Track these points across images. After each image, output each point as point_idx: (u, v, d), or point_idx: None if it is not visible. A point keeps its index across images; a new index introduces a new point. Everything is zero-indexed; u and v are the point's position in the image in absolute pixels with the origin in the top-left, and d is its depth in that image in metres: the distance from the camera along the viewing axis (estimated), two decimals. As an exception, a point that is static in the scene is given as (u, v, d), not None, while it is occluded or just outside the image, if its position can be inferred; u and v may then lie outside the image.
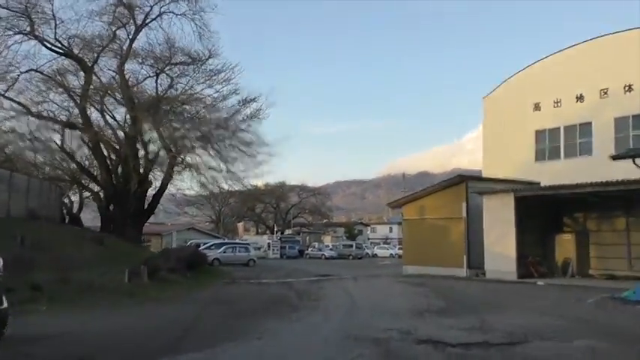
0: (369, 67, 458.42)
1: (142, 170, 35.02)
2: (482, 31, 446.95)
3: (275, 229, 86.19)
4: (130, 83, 34.11)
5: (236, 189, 40.77)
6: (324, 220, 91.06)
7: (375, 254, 75.12)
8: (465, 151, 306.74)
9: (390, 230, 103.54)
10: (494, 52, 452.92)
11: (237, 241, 51.89)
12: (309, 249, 68.92)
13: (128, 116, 34.39)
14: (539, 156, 36.11)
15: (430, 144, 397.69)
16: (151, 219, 44.51)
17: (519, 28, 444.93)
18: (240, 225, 75.47)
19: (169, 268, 25.73)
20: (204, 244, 48.75)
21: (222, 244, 46.17)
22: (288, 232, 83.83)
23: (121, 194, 34.85)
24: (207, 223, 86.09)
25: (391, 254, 74.00)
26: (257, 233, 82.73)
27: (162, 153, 36.98)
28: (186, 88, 34.42)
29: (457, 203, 30.99)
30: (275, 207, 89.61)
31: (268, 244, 65.82)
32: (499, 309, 16.07)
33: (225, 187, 39.27)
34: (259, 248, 66.53)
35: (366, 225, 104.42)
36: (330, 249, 70.06)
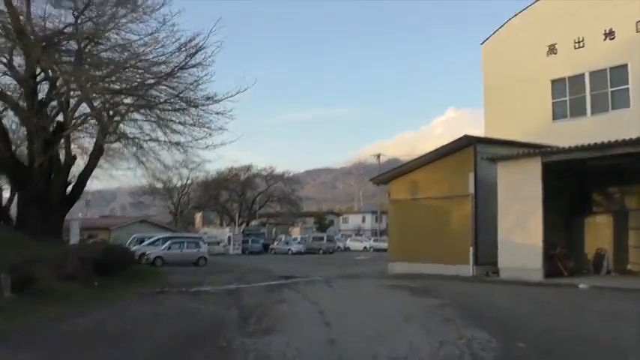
0: (331, 53, 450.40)
1: (52, 137, 26.26)
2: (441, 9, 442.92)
3: (239, 221, 78.05)
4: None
5: (184, 169, 32.46)
6: (293, 210, 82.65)
7: (348, 247, 67.52)
8: (433, 136, 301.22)
9: (363, 220, 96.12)
10: (458, 32, 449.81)
11: (185, 235, 43.55)
12: (275, 243, 60.88)
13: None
14: (558, 113, 28.44)
15: (397, 130, 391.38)
16: (104, 211, 35.94)
17: None
18: (198, 216, 66.89)
19: (66, 275, 17.90)
20: (150, 238, 40.45)
21: (168, 239, 37.91)
22: (253, 223, 75.59)
23: (25, 172, 26.26)
24: (168, 215, 77.44)
25: (365, 247, 66.49)
26: (221, 225, 74.16)
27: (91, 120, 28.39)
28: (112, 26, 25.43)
29: (461, 176, 23.41)
30: (240, 195, 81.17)
31: (229, 237, 57.61)
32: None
33: (169, 161, 30.90)
34: (219, 243, 58.33)
35: (338, 215, 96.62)
36: (298, 242, 62.12)
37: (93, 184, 38.97)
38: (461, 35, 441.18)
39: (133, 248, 39.26)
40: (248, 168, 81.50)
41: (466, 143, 23.55)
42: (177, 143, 29.78)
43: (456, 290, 18.06)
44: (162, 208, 77.35)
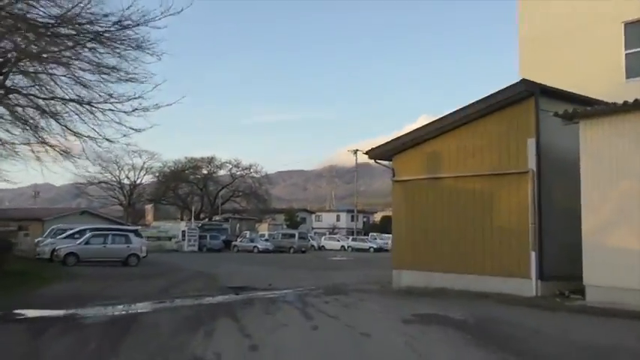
0: (306, 56, 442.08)
1: None
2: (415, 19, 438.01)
3: (202, 217, 68.40)
4: None
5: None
6: (261, 206, 72.96)
7: (323, 246, 58.57)
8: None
9: (338, 219, 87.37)
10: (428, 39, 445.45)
11: (112, 226, 33.98)
12: (239, 239, 51.52)
13: None
14: (634, 68, 19.64)
15: (370, 135, 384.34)
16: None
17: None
18: (149, 208, 57.24)
19: None
20: (71, 230, 30.99)
21: (88, 231, 28.48)
22: (217, 219, 66.02)
23: None
24: (120, 208, 67.42)
25: (343, 247, 57.62)
26: (182, 220, 64.25)
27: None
28: None
29: (513, 143, 14.74)
30: (202, 188, 71.42)
31: (182, 232, 48.10)
32: None
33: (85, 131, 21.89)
34: (171, 238, 48.79)
35: (311, 212, 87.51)
36: (265, 239, 52.95)
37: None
38: (442, 42, 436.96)
39: (45, 242, 29.98)
40: (210, 160, 71.83)
41: (523, 92, 14.75)
42: (89, 103, 20.94)
43: (550, 334, 9.24)
44: (113, 200, 67.24)
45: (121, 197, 65.80)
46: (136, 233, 31.16)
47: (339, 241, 59.47)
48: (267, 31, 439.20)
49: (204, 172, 71.71)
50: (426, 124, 17.11)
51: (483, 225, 15.32)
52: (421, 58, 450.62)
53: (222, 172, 72.87)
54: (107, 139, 23.30)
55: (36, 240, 33.16)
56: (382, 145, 18.27)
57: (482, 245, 15.20)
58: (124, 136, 23.37)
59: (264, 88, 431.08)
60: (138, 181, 67.23)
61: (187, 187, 72.59)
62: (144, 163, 66.90)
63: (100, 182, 64.89)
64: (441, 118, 16.60)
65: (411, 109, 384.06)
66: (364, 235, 71.21)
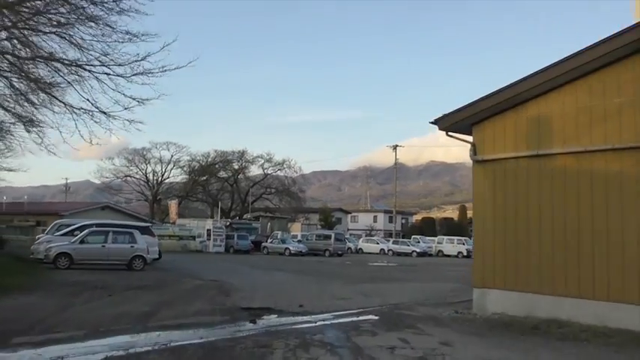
0: (337, 54, 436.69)
1: None
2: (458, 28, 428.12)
3: (230, 214, 63.74)
4: None
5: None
6: (294, 204, 67.77)
7: (360, 249, 53.16)
8: (439, 143, 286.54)
9: (375, 220, 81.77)
10: (463, 43, 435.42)
11: (117, 222, 29.02)
12: (269, 240, 46.53)
13: None
14: None
15: (404, 135, 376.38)
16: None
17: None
18: (173, 204, 52.66)
19: None
20: (74, 225, 26.37)
21: (89, 228, 23.71)
22: (247, 217, 61.22)
23: None
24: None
25: (383, 250, 52.11)
26: (212, 218, 59.49)
27: None
28: None
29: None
30: (232, 185, 66.70)
31: (208, 231, 43.34)
32: None
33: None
34: (195, 237, 44.10)
35: (347, 212, 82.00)
36: (298, 240, 47.90)
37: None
38: (470, 40, 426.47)
39: (41, 240, 25.47)
40: (242, 154, 67.01)
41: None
42: (77, 64, 16.58)
43: None
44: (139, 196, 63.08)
45: (147, 193, 61.63)
46: (146, 230, 26.38)
47: (378, 243, 53.96)
48: (302, 31, 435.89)
49: (235, 167, 67.01)
50: (526, 77, 11.60)
51: (624, 226, 9.87)
52: (460, 55, 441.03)
53: (253, 169, 68.09)
54: (103, 112, 18.75)
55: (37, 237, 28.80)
56: (457, 111, 12.82)
57: (621, 256, 9.78)
58: (125, 109, 18.73)
59: (299, 88, 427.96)
60: (165, 176, 63.05)
61: (217, 182, 68.04)
62: (171, 156, 62.75)
63: (125, 176, 60.92)
64: (552, 65, 11.10)
65: (447, 109, 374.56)
66: (403, 237, 65.64)
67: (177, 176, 64.69)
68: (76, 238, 22.18)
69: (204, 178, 64.96)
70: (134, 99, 18.48)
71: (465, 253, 49.58)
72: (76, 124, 19.25)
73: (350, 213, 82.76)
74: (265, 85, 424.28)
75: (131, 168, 60.64)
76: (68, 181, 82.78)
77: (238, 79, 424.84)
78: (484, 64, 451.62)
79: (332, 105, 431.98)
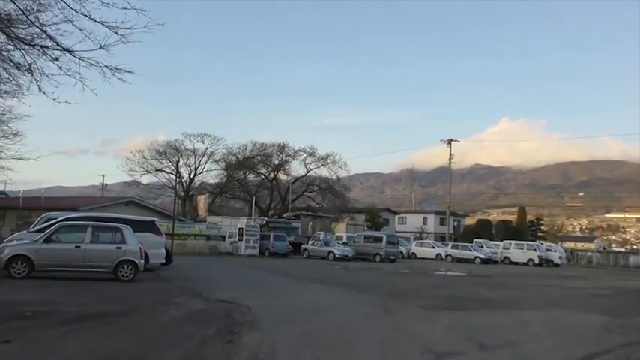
0: (380, 57, 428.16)
1: None
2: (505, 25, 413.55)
3: (269, 213, 57.10)
4: None
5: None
6: (338, 203, 60.58)
7: (413, 254, 45.65)
8: (483, 146, 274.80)
9: (425, 222, 73.86)
10: (515, 47, 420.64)
11: (102, 215, 22.05)
12: (310, 242, 39.52)
13: None
14: None
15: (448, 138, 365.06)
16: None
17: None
18: (202, 199, 46.18)
19: None
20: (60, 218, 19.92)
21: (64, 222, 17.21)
22: (286, 215, 54.36)
23: None
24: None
25: (439, 255, 44.49)
26: (250, 216, 52.85)
27: None
28: None
29: None
30: (272, 181, 60.08)
31: (240, 230, 36.59)
32: None
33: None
34: (224, 237, 37.57)
35: (395, 213, 74.28)
36: (344, 242, 40.80)
37: None
38: (520, 42, 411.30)
39: (12, 237, 19.27)
40: (282, 147, 60.30)
41: None
42: None
43: None
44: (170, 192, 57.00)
45: (178, 188, 55.49)
46: (149, 227, 19.82)
47: (434, 247, 46.27)
48: (345, 34, 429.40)
49: (275, 162, 60.37)
50: None
51: None
52: (501, 59, 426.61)
53: (294, 164, 61.29)
54: (65, 49, 12.40)
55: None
56: None
57: None
58: (101, 47, 12.31)
59: (342, 90, 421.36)
60: (198, 170, 56.90)
61: (255, 178, 61.53)
62: (206, 148, 56.54)
63: (156, 171, 54.98)
64: None
65: (492, 112, 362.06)
66: (455, 240, 57.83)
67: (211, 170, 58.47)
68: (40, 235, 15.61)
69: (241, 173, 58.52)
70: (109, 26, 11.89)
71: (537, 261, 41.66)
72: (30, 67, 12.88)
73: (398, 214, 75.05)
74: (308, 86, 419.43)
75: (162, 162, 54.70)
76: (111, 182, 77.93)
77: (282, 78, 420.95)
78: (527, 66, 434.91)
79: (374, 107, 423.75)
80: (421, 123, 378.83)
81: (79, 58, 12.45)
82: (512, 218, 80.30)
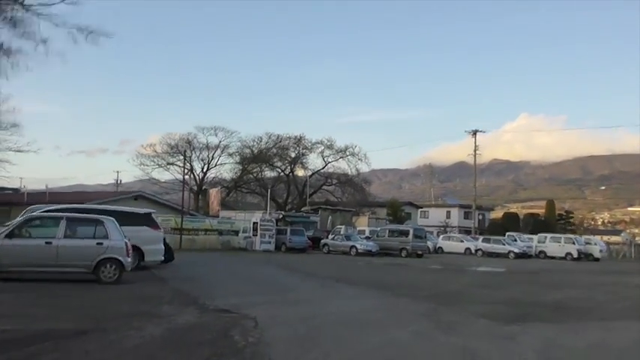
0: (398, 54, 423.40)
1: None
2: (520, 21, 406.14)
3: (286, 207, 53.99)
4: None
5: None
6: (358, 197, 57.19)
7: (440, 248, 42.19)
8: (501, 141, 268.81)
9: (448, 215, 70.23)
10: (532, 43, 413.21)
11: (80, 206, 18.86)
12: (330, 236, 36.29)
13: None
14: None
15: (465, 134, 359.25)
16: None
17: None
18: (214, 193, 43.12)
19: None
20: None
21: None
22: (305, 209, 51.14)
23: None
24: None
25: (469, 249, 41.00)
26: (266, 211, 49.62)
27: None
28: None
29: None
30: (289, 174, 56.96)
31: (254, 225, 33.49)
32: None
33: None
34: (238, 232, 34.55)
35: (417, 207, 70.74)
36: (366, 237, 37.55)
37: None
38: (537, 36, 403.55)
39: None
40: (299, 139, 57.01)
41: None
42: None
43: None
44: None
45: (192, 183, 52.64)
46: (144, 220, 16.77)
47: (462, 241, 42.73)
48: (356, 27, 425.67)
49: (292, 154, 57.16)
50: None
51: None
52: (518, 54, 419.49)
53: (312, 157, 57.98)
54: None
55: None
56: None
57: None
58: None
59: (358, 88, 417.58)
60: (212, 164, 53.94)
61: (272, 172, 58.31)
62: (219, 142, 53.56)
63: (168, 164, 52.14)
64: None
65: (510, 107, 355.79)
66: (481, 234, 54.27)
67: (224, 164, 55.43)
68: (2, 230, 12.59)
69: (257, 166, 55.41)
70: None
71: (576, 255, 37.96)
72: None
73: (420, 208, 71.50)
74: (323, 83, 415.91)
75: (174, 155, 51.83)
76: (129, 180, 75.33)
77: (297, 75, 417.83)
78: (545, 62, 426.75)
79: (390, 104, 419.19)
80: (439, 119, 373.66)
81: (37, 15, 9.39)
82: (533, 212, 76.53)
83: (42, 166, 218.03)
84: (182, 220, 30.97)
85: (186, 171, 50.63)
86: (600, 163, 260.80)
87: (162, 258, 16.95)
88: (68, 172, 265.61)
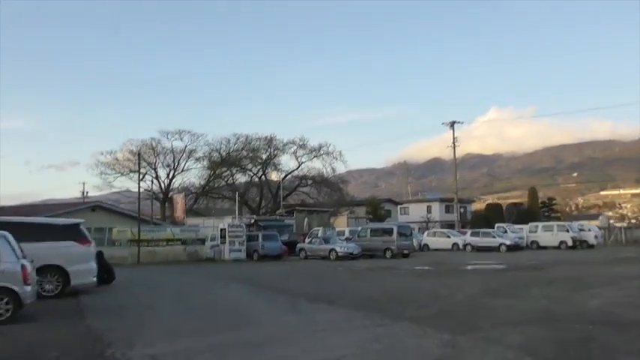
0: (365, 54, 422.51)
1: None
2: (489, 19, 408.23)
3: (260, 211, 50.44)
4: None
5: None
6: (335, 197, 53.81)
7: (426, 245, 39.01)
8: (473, 136, 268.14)
9: (429, 210, 67.16)
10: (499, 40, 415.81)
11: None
12: (307, 240, 32.79)
13: None
14: None
15: (438, 130, 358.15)
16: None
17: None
18: (178, 199, 39.28)
19: None
20: None
21: None
22: (279, 212, 47.60)
23: None
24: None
25: (456, 245, 37.88)
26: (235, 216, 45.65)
27: None
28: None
29: None
30: (260, 177, 53.36)
31: (222, 231, 29.85)
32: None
33: None
34: (204, 241, 30.93)
35: (396, 203, 67.65)
36: (346, 238, 34.24)
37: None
38: (501, 28, 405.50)
39: None
40: (269, 140, 53.42)
41: None
42: None
43: None
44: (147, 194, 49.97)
45: (156, 190, 48.71)
46: (69, 233, 13.20)
47: (449, 237, 39.54)
48: (317, 28, 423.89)
49: (263, 156, 53.55)
50: None
51: None
52: (487, 49, 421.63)
53: (285, 158, 54.62)
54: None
55: None
56: None
57: None
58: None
59: (328, 89, 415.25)
60: (178, 170, 50.05)
61: (243, 175, 54.60)
62: (185, 146, 49.79)
63: (130, 172, 48.11)
64: None
65: (480, 101, 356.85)
66: (463, 227, 51.46)
67: (192, 169, 51.61)
68: None
69: (225, 169, 51.68)
70: None
71: (570, 243, 35.23)
72: None
73: (400, 204, 68.42)
74: (293, 85, 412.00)
75: (136, 162, 47.79)
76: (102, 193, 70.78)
77: (267, 78, 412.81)
78: (511, 56, 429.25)
79: (361, 104, 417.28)
80: (411, 117, 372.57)
81: None
82: (515, 202, 74.07)
83: (12, 182, 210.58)
84: (139, 230, 27.23)
85: (142, 176, 46.72)
86: (571, 151, 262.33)
87: (94, 279, 13.34)
88: (39, 187, 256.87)
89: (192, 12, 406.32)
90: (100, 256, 15.27)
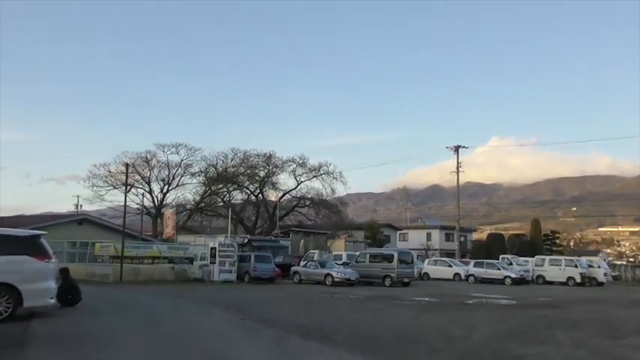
0: (377, 78, 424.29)
1: None
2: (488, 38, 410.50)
3: (256, 231, 48.54)
4: None
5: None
6: (334, 218, 51.97)
7: (426, 274, 37.07)
8: (474, 164, 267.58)
9: (429, 237, 65.27)
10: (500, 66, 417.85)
11: None
12: (302, 263, 30.84)
13: None
14: None
15: (438, 157, 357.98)
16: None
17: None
18: (168, 214, 37.36)
19: None
20: None
21: None
22: (275, 233, 45.68)
23: None
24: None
25: (458, 275, 35.97)
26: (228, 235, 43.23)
27: None
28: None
29: None
30: (257, 195, 51.59)
31: (212, 250, 27.96)
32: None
33: None
34: (192, 261, 29.01)
35: (396, 229, 65.78)
36: (344, 263, 32.38)
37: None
38: (505, 60, 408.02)
39: None
40: (268, 157, 51.79)
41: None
42: None
43: None
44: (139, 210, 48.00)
45: (149, 205, 46.87)
46: (26, 246, 11.37)
47: (451, 266, 37.62)
48: (329, 55, 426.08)
49: (261, 174, 51.82)
50: None
51: None
52: (490, 78, 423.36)
53: (283, 177, 52.80)
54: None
55: None
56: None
57: None
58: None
59: (330, 112, 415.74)
60: (172, 185, 48.26)
61: (240, 193, 52.74)
62: (181, 160, 48.10)
63: (123, 185, 46.28)
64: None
65: (481, 131, 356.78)
66: (462, 257, 49.62)
67: (187, 184, 49.81)
68: None
69: (221, 186, 49.86)
70: None
71: (579, 280, 33.30)
72: None
73: (399, 230, 66.57)
74: (296, 109, 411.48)
75: (131, 175, 46.07)
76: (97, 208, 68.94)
77: (268, 103, 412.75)
78: (515, 87, 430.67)
79: (362, 129, 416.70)
80: (413, 143, 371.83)
81: None
82: (518, 232, 72.20)
83: (12, 194, 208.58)
84: (123, 246, 25.34)
85: (134, 189, 45.03)
86: (571, 184, 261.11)
87: (51, 301, 11.48)
88: (38, 200, 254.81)
89: (194, 32, 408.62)
90: (65, 273, 13.45)
